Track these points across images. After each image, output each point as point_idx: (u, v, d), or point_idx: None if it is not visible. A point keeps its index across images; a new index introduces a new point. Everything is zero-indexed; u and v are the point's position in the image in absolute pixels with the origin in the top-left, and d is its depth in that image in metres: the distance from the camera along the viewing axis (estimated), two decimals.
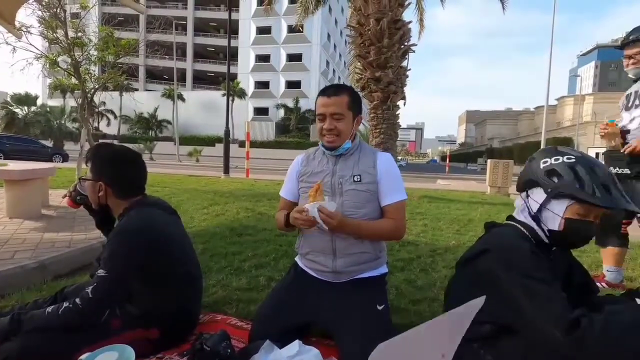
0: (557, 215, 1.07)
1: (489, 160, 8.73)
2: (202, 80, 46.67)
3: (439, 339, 0.83)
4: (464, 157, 56.75)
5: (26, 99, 29.82)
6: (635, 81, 2.22)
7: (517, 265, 1.03)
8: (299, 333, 1.32)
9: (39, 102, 31.28)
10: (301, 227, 1.33)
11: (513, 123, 60.71)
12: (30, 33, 7.06)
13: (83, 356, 0.93)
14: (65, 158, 17.86)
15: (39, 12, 7.26)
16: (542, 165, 1.12)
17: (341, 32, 45.79)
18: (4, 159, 15.06)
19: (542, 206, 1.10)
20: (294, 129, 36.64)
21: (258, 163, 18.71)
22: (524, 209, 1.17)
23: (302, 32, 34.88)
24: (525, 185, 1.17)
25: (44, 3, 6.85)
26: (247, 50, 39.75)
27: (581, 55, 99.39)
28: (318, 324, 1.40)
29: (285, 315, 1.36)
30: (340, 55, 47.38)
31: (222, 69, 43.08)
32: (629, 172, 2.18)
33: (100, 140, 9.58)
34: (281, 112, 38.17)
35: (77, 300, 1.21)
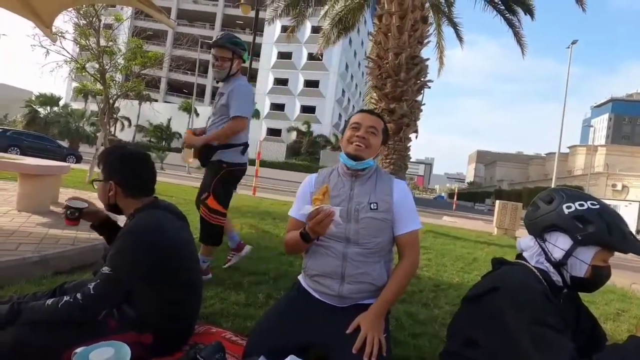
0: (583, 262, 1.05)
1: (497, 202, 8.66)
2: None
3: None
4: (472, 196, 56.33)
5: (50, 100, 30.87)
6: None
7: (528, 307, 0.99)
8: (294, 353, 1.29)
9: (61, 103, 32.31)
10: (320, 229, 1.26)
11: (523, 167, 60.49)
12: (65, 38, 7.44)
13: (78, 349, 0.91)
14: (78, 159, 18.19)
15: (76, 20, 7.66)
16: (566, 211, 1.07)
17: (359, 64, 47.10)
18: (20, 154, 15.40)
19: (569, 253, 1.06)
20: (304, 152, 37.01)
21: (266, 182, 18.80)
22: (539, 253, 1.13)
23: (322, 60, 35.93)
24: (544, 229, 1.12)
25: (82, 12, 7.24)
26: (267, 73, 40.94)
27: (595, 107, 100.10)
28: (316, 346, 1.36)
29: (282, 333, 1.33)
30: (356, 85, 48.49)
31: None
32: None
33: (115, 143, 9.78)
34: (293, 135, 38.72)
35: (78, 295, 1.20)
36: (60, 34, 7.05)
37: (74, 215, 1.49)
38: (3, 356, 1.14)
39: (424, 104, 6.89)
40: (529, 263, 1.15)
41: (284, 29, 25.62)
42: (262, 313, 1.90)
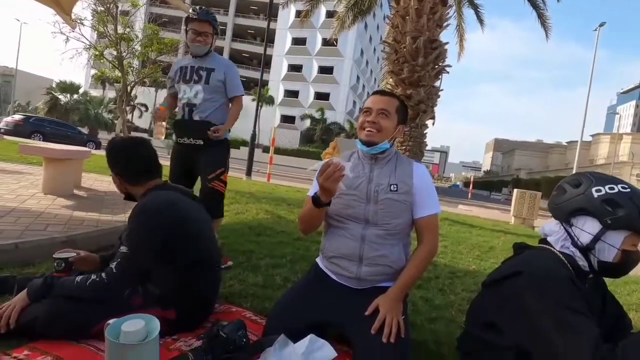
0: (613, 247, 1.02)
1: (515, 190, 8.48)
2: None
3: None
4: (488, 185, 55.31)
5: (70, 87, 31.57)
6: None
7: (552, 292, 0.97)
8: (313, 332, 1.31)
9: (81, 90, 33.00)
10: (330, 185, 1.20)
11: (542, 155, 58.86)
12: (83, 25, 7.55)
13: (110, 321, 0.95)
14: (97, 146, 18.60)
15: (93, 6, 7.74)
16: (596, 195, 1.04)
17: (374, 49, 46.19)
18: (42, 140, 15.88)
19: (597, 237, 1.04)
20: (318, 140, 36.91)
21: (279, 169, 18.90)
22: (565, 238, 1.10)
23: (336, 46, 35.37)
24: (571, 213, 1.09)
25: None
26: (281, 59, 40.66)
27: (622, 93, 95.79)
28: (334, 326, 1.38)
29: (301, 313, 1.35)
30: (371, 71, 47.69)
31: (255, 74, 44.08)
32: None
33: (132, 132, 9.98)
34: (307, 122, 38.58)
35: (103, 274, 1.26)
36: (79, 21, 7.16)
37: (61, 266, 1.43)
38: (36, 327, 1.20)
39: (441, 90, 6.74)
40: (553, 248, 1.13)
41: (298, 13, 25.26)
42: (281, 294, 1.94)
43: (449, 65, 6.69)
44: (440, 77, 6.70)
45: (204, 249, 1.43)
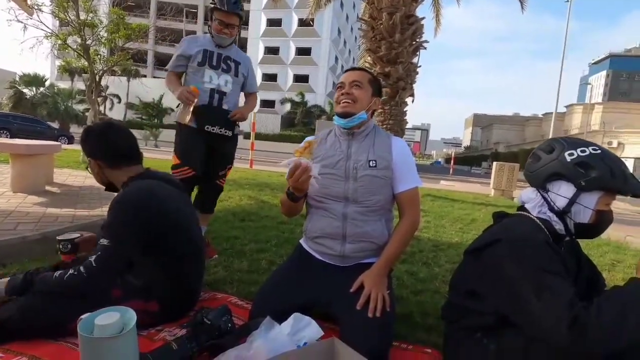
0: (587, 208, 1.05)
1: (494, 163, 8.67)
2: None
3: None
4: (469, 160, 56.45)
5: (35, 80, 29.94)
6: None
7: (531, 257, 0.99)
8: (299, 312, 1.31)
9: (47, 83, 31.39)
10: (300, 186, 1.25)
11: (519, 128, 60.23)
12: (42, 11, 7.08)
13: (84, 315, 0.92)
14: (70, 140, 17.90)
15: None
16: (569, 158, 1.06)
17: (352, 28, 45.51)
18: (10, 137, 15.11)
19: (572, 200, 1.06)
20: (299, 123, 36.59)
21: (262, 155, 18.70)
22: (542, 204, 1.12)
23: (313, 26, 34.68)
24: (546, 179, 1.10)
25: None
26: (257, 42, 39.60)
27: (593, 64, 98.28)
28: (320, 305, 1.38)
29: (286, 295, 1.34)
30: (349, 51, 47.13)
31: None
32: None
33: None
34: (287, 106, 38.08)
35: (82, 268, 1.21)
36: (36, 7, 6.70)
37: (67, 248, 1.43)
38: (9, 327, 1.15)
39: (419, 66, 6.72)
40: (530, 214, 1.14)
41: None
42: (266, 278, 1.93)
43: (426, 41, 6.66)
44: (417, 53, 6.67)
45: (187, 240, 1.39)
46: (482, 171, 39.00)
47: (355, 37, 46.55)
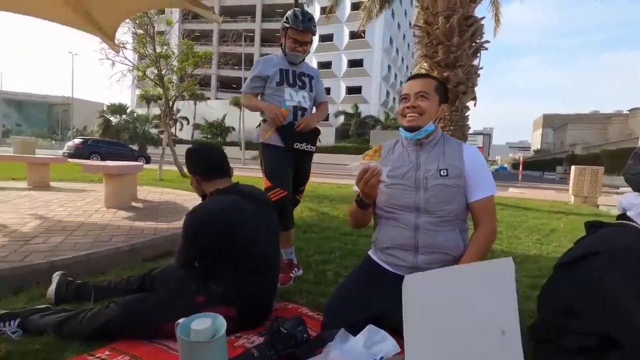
0: None
1: (573, 167, 7.83)
2: None
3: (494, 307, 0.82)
4: (540, 165, 51.66)
5: (119, 108, 34.04)
6: None
7: (635, 267, 0.88)
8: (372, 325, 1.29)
9: (128, 110, 35.46)
10: (369, 190, 1.25)
11: (600, 127, 53.84)
12: (126, 48, 8.07)
13: (181, 320, 1.00)
14: (147, 160, 19.93)
15: (133, 30, 8.25)
16: None
17: (404, 36, 44.91)
18: (100, 159, 17.25)
19: None
20: (353, 135, 36.67)
21: (319, 168, 19.03)
22: None
23: (364, 37, 34.89)
24: None
25: (137, 22, 7.76)
26: (309, 58, 40.85)
27: None
28: (391, 318, 1.34)
29: (357, 306, 1.34)
30: (402, 59, 46.48)
31: None
32: None
33: (176, 145, 10.52)
34: (341, 118, 38.45)
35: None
36: (122, 45, 7.66)
37: None
38: (111, 328, 1.29)
39: (481, 68, 6.38)
40: (635, 223, 1.01)
41: (323, 10, 25.16)
42: (333, 289, 1.94)
43: (487, 42, 6.32)
44: (478, 55, 6.34)
45: (259, 255, 1.46)
46: (556, 176, 35.42)
47: (408, 45, 45.74)
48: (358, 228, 1.51)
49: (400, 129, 1.45)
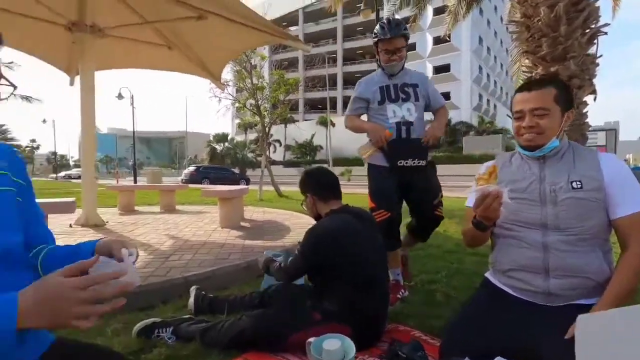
0: None
1: None
2: None
3: None
4: None
5: (222, 137, 38.52)
6: None
7: None
8: (500, 355, 1.19)
9: (229, 138, 39.85)
10: (491, 214, 1.15)
11: None
12: (229, 85, 9.16)
13: (311, 339, 1.08)
14: (247, 182, 21.98)
15: (233, 67, 9.35)
16: None
17: (495, 33, 41.49)
18: (209, 183, 19.64)
19: None
20: (443, 144, 34.73)
21: None
22: None
23: (450, 41, 33.32)
24: None
25: (237, 60, 8.78)
26: None
27: None
28: (523, 351, 1.22)
29: (483, 335, 1.24)
30: (495, 57, 42.82)
31: None
32: None
33: (272, 166, 11.38)
34: None
35: (283, 264, 1.65)
36: (226, 83, 8.73)
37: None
38: (243, 339, 1.44)
39: (599, 57, 5.50)
40: None
41: (404, 21, 24.85)
42: (444, 312, 1.84)
43: (605, 25, 5.44)
44: (595, 41, 5.49)
45: (370, 273, 1.50)
46: None
47: (501, 41, 42.03)
48: (474, 247, 1.41)
49: (517, 146, 1.34)
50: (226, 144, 38.70)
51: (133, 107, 22.23)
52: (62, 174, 39.16)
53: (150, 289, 2.21)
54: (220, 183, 18.80)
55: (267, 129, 9.58)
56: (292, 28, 50.21)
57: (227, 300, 1.88)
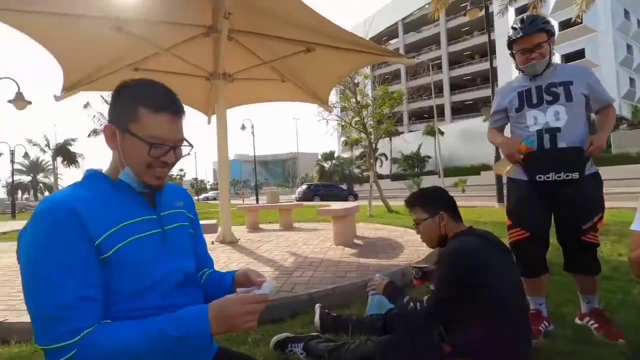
0: None
1: None
2: (460, 110, 46.66)
3: None
4: None
5: (329, 155, 40.44)
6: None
7: None
8: None
9: (336, 155, 41.49)
10: None
11: None
12: (334, 107, 9.62)
13: None
14: (355, 197, 22.38)
15: (337, 88, 9.80)
16: None
17: None
18: (320, 200, 20.69)
19: None
20: None
21: None
22: None
23: (582, 22, 28.45)
24: None
25: (343, 81, 9.18)
26: (508, 68, 36.45)
27: None
28: None
29: None
30: None
31: (480, 94, 41.44)
32: None
33: (378, 179, 11.30)
34: None
35: (418, 304, 1.47)
36: (332, 105, 9.20)
37: (419, 274, 1.72)
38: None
39: None
40: None
41: (519, 11, 22.29)
42: (608, 354, 1.52)
43: None
44: None
45: (506, 301, 1.34)
46: None
47: None
48: None
49: None
50: (333, 161, 40.37)
51: (253, 136, 25.20)
52: (202, 196, 46.58)
53: (280, 304, 2.43)
54: (330, 199, 19.63)
55: (373, 145, 9.66)
56: (393, 41, 50.13)
57: (349, 320, 1.93)
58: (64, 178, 38.38)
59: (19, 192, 43.03)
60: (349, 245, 4.55)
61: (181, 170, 68.53)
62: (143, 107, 0.80)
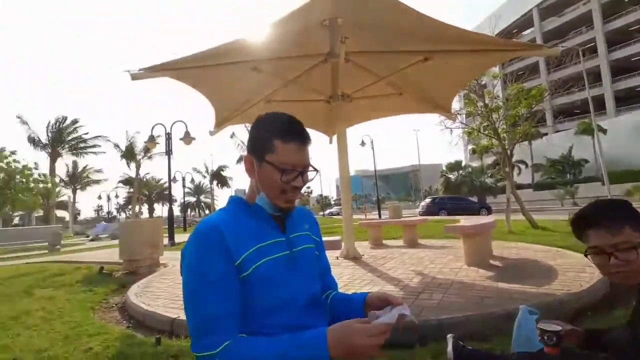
0: None
1: None
2: (629, 99, 37.19)
3: None
4: None
5: (455, 166, 37.50)
6: None
7: None
8: None
9: (463, 165, 38.14)
10: None
11: None
12: (460, 114, 8.90)
13: None
14: (489, 210, 19.94)
15: (461, 93, 9.05)
16: None
17: None
18: (447, 214, 19.21)
19: None
20: None
21: None
22: None
23: None
24: None
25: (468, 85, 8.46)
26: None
27: None
28: None
29: None
30: None
31: None
32: None
33: (516, 190, 9.69)
34: None
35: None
36: (456, 112, 8.54)
37: (552, 340, 1.27)
38: None
39: None
40: None
41: None
42: None
43: None
44: None
45: None
46: None
47: None
48: None
49: None
50: (460, 171, 37.21)
51: (373, 151, 25.38)
52: (327, 211, 49.05)
53: (409, 329, 2.29)
54: (458, 213, 18.02)
55: (508, 151, 8.50)
56: (526, 32, 44.12)
57: (491, 357, 1.67)
58: (219, 198, 46.19)
59: (188, 210, 53.66)
60: (484, 266, 4.04)
61: (308, 187, 74.28)
62: (276, 139, 0.88)
